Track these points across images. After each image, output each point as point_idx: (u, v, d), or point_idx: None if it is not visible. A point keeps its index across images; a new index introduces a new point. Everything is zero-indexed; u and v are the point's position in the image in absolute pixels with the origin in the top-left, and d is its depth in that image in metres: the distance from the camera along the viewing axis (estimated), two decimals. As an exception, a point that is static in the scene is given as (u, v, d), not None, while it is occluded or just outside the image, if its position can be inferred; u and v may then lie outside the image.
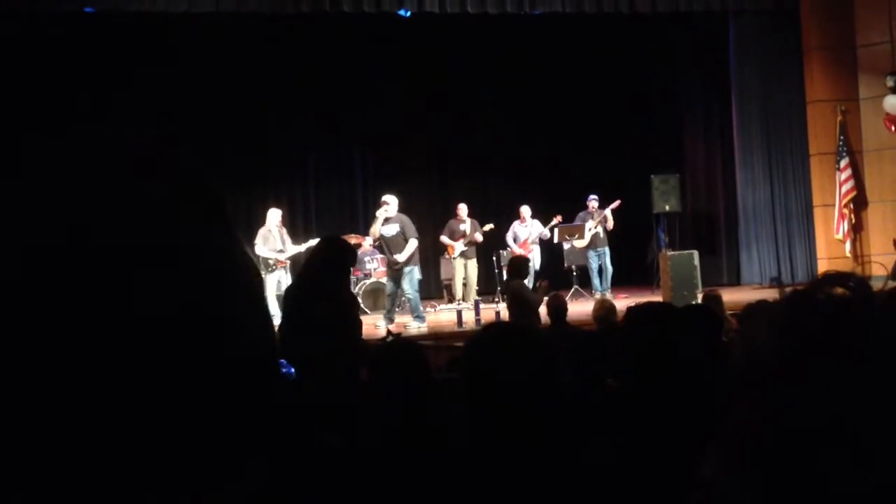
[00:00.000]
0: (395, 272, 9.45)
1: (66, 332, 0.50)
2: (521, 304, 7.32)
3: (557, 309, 6.38)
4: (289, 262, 10.21)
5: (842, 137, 11.59)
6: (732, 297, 8.54)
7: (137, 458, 0.51)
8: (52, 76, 10.77)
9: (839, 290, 0.76)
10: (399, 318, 9.83)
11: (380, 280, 11.47)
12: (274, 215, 10.25)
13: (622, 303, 9.97)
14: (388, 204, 9.60)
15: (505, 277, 9.27)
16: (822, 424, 0.71)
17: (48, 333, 0.50)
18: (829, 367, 0.73)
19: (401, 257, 9.36)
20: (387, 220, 9.46)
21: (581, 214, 11.87)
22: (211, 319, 0.53)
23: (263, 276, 9.49)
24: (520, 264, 7.93)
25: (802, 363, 0.73)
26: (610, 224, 11.62)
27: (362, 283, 11.29)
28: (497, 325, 2.04)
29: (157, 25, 10.72)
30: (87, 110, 10.12)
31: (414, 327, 9.44)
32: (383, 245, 9.61)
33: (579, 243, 11.75)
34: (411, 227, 9.50)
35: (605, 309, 6.05)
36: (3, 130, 9.95)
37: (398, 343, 4.36)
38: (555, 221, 11.73)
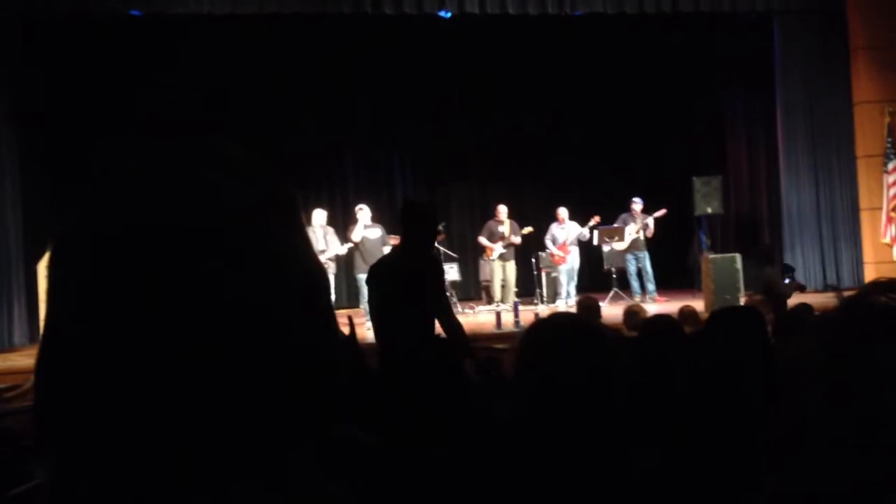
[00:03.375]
0: None
1: (137, 323, 0.51)
2: (771, 292, 7.50)
3: (589, 311, 6.25)
4: (332, 263, 10.28)
5: (889, 139, 11.37)
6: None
7: (193, 448, 0.52)
8: (97, 78, 10.98)
9: (891, 297, 0.75)
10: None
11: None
12: (319, 216, 10.40)
13: (662, 306, 9.90)
14: (363, 209, 10.32)
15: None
16: (874, 427, 0.69)
17: (123, 324, 0.51)
18: (884, 373, 0.72)
19: None
20: (365, 226, 10.15)
21: (623, 216, 11.78)
22: (273, 319, 0.54)
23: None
24: (771, 249, 8.18)
25: (857, 369, 0.72)
26: (651, 231, 11.54)
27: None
28: (555, 319, 2.00)
29: (202, 27, 10.86)
30: (142, 114, 10.29)
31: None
32: (360, 250, 10.06)
33: (619, 245, 11.67)
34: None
35: (631, 313, 6.00)
36: (66, 132, 10.22)
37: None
38: (593, 222, 11.66)
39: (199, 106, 11.31)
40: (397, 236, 11.66)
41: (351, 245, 10.26)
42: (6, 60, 9.61)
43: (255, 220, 0.56)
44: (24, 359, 8.44)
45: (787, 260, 11.98)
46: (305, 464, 0.57)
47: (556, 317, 1.98)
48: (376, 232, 10.23)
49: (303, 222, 0.61)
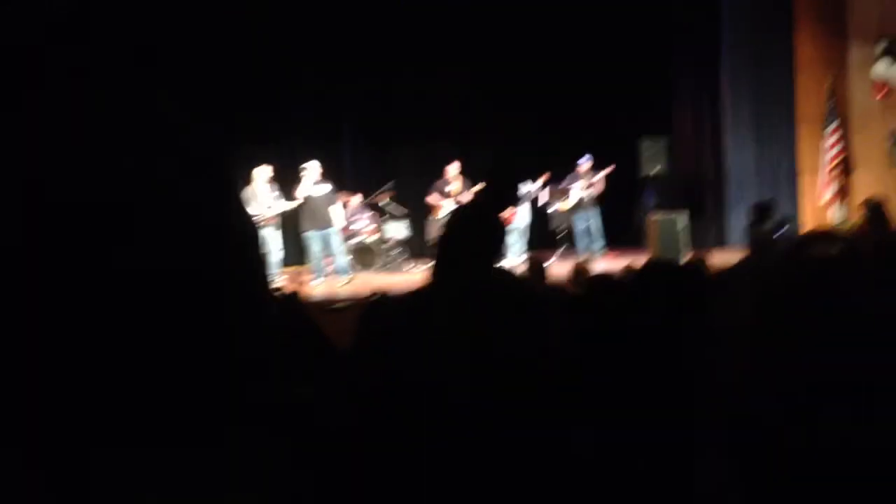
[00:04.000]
0: (325, 231, 9.85)
1: (51, 286, 0.49)
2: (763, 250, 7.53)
3: (536, 271, 6.25)
4: (278, 218, 10.19)
5: (830, 103, 11.60)
6: (721, 258, 8.59)
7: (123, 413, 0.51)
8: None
9: (825, 249, 0.78)
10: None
11: (369, 239, 11.51)
12: (262, 172, 10.19)
13: (611, 263, 10.03)
14: (310, 167, 10.23)
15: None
16: (819, 380, 0.72)
17: (33, 288, 0.49)
18: (819, 324, 0.75)
19: (335, 217, 9.95)
20: (315, 183, 10.08)
21: (570, 175, 11.86)
22: (197, 276, 0.53)
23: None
24: (766, 207, 7.99)
25: (792, 321, 0.74)
26: (598, 188, 11.63)
27: (350, 241, 11.29)
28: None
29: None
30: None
31: (345, 281, 9.95)
32: (305, 207, 10.00)
33: (564, 206, 11.76)
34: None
35: (577, 272, 6.04)
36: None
37: (384, 301, 4.37)
38: (543, 179, 11.71)
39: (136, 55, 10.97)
40: (347, 193, 11.65)
41: (299, 202, 10.15)
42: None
43: (163, 184, 0.53)
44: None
45: (729, 219, 12.23)
46: (234, 425, 0.55)
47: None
48: (324, 188, 10.09)
49: (227, 178, 0.58)
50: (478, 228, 4.25)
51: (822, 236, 0.84)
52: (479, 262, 2.70)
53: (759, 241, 7.92)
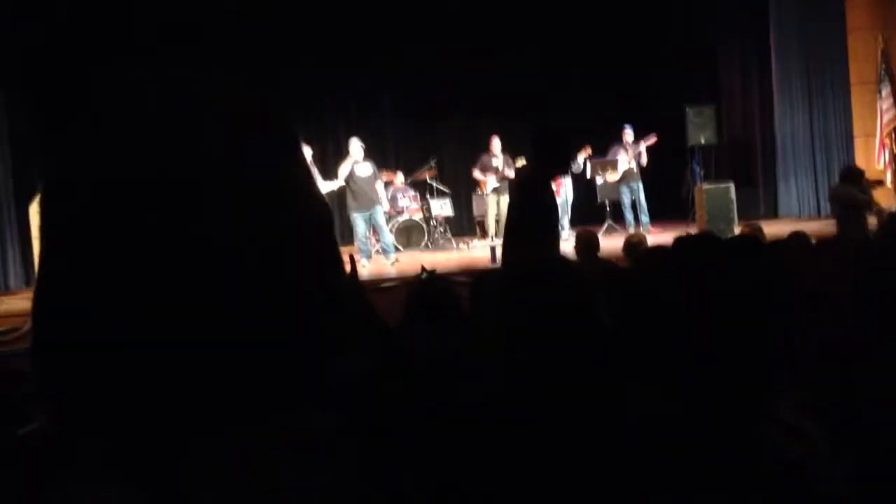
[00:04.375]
0: (371, 211, 9.78)
1: (138, 258, 0.51)
2: (851, 208, 7.53)
3: (588, 244, 6.19)
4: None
5: (883, 65, 11.28)
6: (772, 229, 8.44)
7: (189, 391, 0.52)
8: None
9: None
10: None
11: (413, 217, 11.51)
12: (304, 153, 10.19)
13: (657, 237, 9.92)
14: (354, 144, 9.96)
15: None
16: None
17: (123, 260, 0.50)
18: None
19: (379, 197, 9.86)
20: (356, 162, 9.85)
21: (614, 147, 11.71)
22: (275, 251, 0.54)
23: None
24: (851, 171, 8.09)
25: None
26: (644, 159, 11.47)
27: (394, 220, 11.31)
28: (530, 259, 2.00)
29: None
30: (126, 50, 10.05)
31: (392, 259, 9.94)
32: (350, 188, 9.84)
33: (612, 177, 11.63)
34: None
35: (632, 244, 5.97)
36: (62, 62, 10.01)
37: (434, 279, 4.36)
38: (584, 154, 11.60)
39: (181, 39, 11.08)
40: (390, 172, 11.65)
41: (339, 183, 10.15)
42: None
43: (253, 154, 0.55)
44: (21, 301, 8.45)
45: (780, 188, 12.00)
46: (301, 401, 0.56)
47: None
48: (367, 168, 9.95)
49: (303, 158, 0.60)
50: (537, 204, 4.21)
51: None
52: (543, 240, 2.71)
53: (844, 198, 7.78)
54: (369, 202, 9.86)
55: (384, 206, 10.30)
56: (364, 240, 9.92)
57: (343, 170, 9.86)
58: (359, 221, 9.85)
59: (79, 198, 0.52)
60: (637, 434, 1.64)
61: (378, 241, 10.30)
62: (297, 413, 0.56)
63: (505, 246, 4.59)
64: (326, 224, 0.59)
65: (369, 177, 9.95)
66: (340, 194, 10.38)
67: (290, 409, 0.55)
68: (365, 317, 2.96)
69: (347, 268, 3.37)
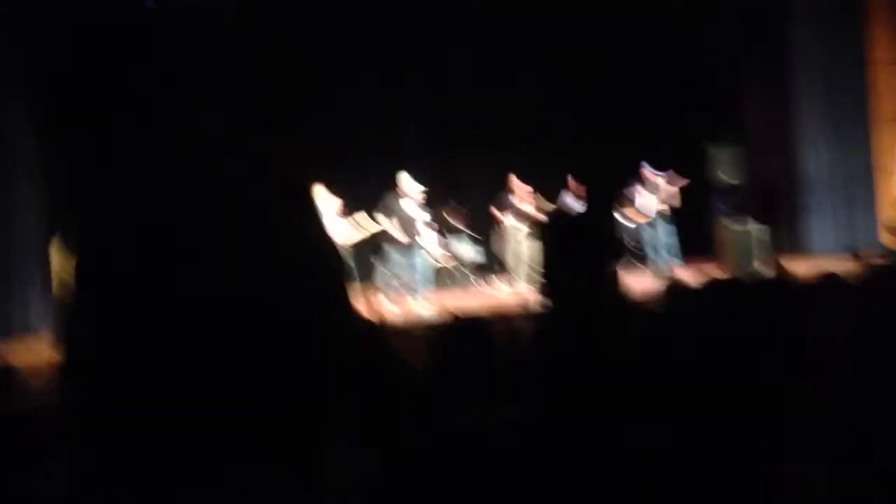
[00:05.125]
0: (413, 249, 9.61)
1: (149, 312, 0.54)
2: None
3: (613, 285, 6.10)
4: (352, 249, 9.98)
5: (907, 100, 11.22)
6: (798, 267, 8.32)
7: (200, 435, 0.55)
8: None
9: None
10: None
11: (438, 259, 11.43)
12: (332, 204, 9.63)
13: (683, 275, 9.82)
14: (404, 180, 9.77)
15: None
16: None
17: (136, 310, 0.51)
18: None
19: (425, 231, 9.74)
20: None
21: (638, 186, 11.61)
22: (289, 301, 0.55)
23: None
24: None
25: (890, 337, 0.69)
26: (675, 201, 11.33)
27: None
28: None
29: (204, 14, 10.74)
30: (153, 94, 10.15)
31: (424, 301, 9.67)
32: (402, 223, 9.64)
33: (637, 217, 11.55)
34: None
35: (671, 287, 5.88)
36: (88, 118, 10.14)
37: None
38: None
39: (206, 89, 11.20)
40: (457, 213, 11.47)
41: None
42: (22, 38, 9.54)
43: (269, 213, 0.58)
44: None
45: (806, 225, 11.89)
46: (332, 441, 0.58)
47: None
48: (413, 205, 9.76)
49: (314, 207, 0.62)
50: (587, 238, 4.19)
51: None
52: (596, 272, 2.70)
53: None
54: (410, 239, 9.71)
55: (427, 246, 10.16)
56: (405, 277, 9.71)
57: (405, 204, 9.68)
58: (401, 258, 9.71)
59: (102, 248, 0.55)
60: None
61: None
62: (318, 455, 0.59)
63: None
64: (336, 268, 0.62)
65: (416, 214, 9.82)
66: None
67: (311, 451, 0.59)
68: (388, 359, 2.93)
69: (369, 309, 3.35)
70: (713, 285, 2.76)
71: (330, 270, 0.62)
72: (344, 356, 0.60)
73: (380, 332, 2.97)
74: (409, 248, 9.65)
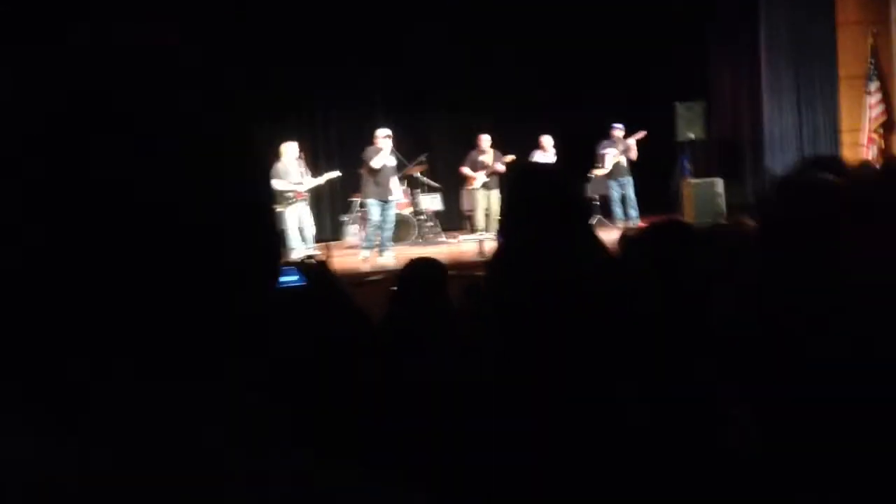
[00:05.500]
0: (387, 201, 9.77)
1: (65, 210, 0.50)
2: None
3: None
4: (308, 194, 10.19)
5: (872, 61, 11.30)
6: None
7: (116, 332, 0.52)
8: None
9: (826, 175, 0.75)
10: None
11: (403, 212, 11.49)
12: (291, 148, 10.07)
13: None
14: (390, 136, 9.89)
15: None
16: (806, 299, 0.69)
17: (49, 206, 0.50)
18: (812, 246, 0.72)
19: (397, 187, 9.81)
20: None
21: (604, 142, 11.74)
22: (213, 222, 0.54)
23: (281, 208, 9.53)
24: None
25: (787, 242, 0.72)
26: (633, 154, 11.50)
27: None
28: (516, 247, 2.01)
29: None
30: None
31: (392, 254, 9.75)
32: (374, 177, 9.74)
33: (600, 172, 11.65)
34: None
35: (627, 238, 5.98)
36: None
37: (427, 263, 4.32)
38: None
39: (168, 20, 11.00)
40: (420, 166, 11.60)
41: (332, 174, 10.07)
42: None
43: (203, 122, 0.55)
44: None
45: (766, 182, 12.01)
46: (240, 372, 0.57)
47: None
48: (393, 160, 10.01)
49: (250, 149, 0.60)
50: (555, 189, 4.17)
51: (821, 161, 0.81)
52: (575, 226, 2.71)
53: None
54: (388, 193, 9.80)
55: (397, 199, 10.29)
56: (374, 228, 9.83)
57: (378, 159, 9.74)
58: (374, 208, 9.80)
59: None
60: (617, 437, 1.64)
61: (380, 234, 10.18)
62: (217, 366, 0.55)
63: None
64: (264, 210, 0.59)
65: (393, 167, 9.98)
66: (358, 181, 10.31)
67: (210, 364, 0.55)
68: (338, 304, 2.96)
69: (325, 258, 3.37)
70: (659, 228, 2.79)
71: (263, 224, 0.61)
72: (256, 313, 0.60)
73: (329, 275, 3.01)
74: (386, 202, 9.77)
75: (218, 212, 0.54)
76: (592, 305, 1.86)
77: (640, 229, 2.50)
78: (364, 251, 9.92)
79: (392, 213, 10.00)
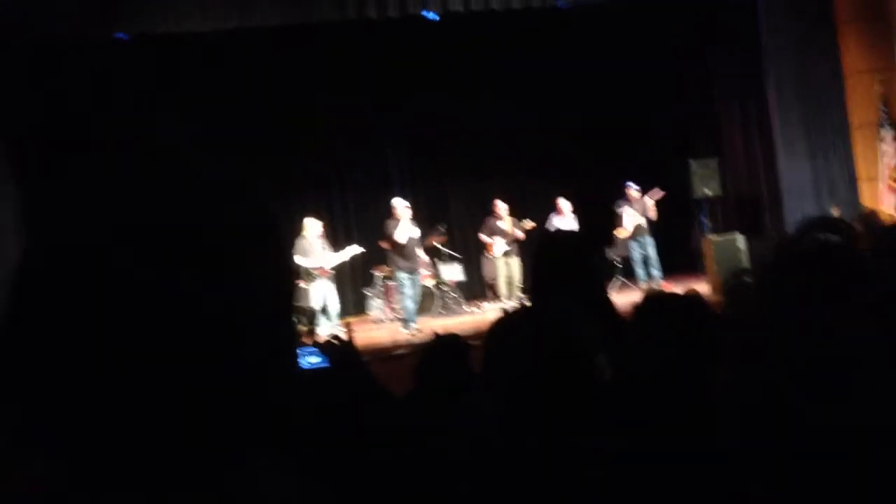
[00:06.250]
0: (416, 274, 9.74)
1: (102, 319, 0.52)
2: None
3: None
4: (333, 271, 10.20)
5: (883, 108, 11.34)
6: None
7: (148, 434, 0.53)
8: (86, 103, 10.98)
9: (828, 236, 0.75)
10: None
11: (424, 283, 11.51)
12: (313, 225, 10.14)
13: (669, 291, 9.87)
14: (409, 207, 9.89)
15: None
16: (805, 366, 0.68)
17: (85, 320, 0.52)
18: (813, 313, 0.71)
19: (423, 258, 9.80)
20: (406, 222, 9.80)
21: (620, 202, 11.75)
22: (237, 319, 0.55)
23: (306, 285, 9.56)
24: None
25: (787, 309, 0.71)
26: (652, 214, 11.49)
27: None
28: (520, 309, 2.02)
29: (185, 44, 10.86)
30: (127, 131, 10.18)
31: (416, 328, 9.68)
32: (407, 249, 9.70)
33: (622, 234, 11.64)
34: None
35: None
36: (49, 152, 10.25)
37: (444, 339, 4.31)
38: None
39: (187, 118, 11.28)
40: (439, 236, 11.61)
41: (351, 252, 10.09)
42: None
43: (225, 224, 0.56)
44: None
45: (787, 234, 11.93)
46: (266, 461, 0.57)
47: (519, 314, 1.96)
48: (416, 231, 9.93)
49: (276, 227, 0.61)
50: (577, 254, 4.14)
51: (822, 222, 0.80)
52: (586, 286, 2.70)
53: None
54: (416, 264, 9.78)
55: (424, 271, 10.26)
56: (409, 300, 9.74)
57: (401, 232, 9.69)
58: (406, 281, 9.73)
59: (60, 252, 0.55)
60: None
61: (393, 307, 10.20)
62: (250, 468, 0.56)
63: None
64: (283, 306, 0.60)
65: (417, 239, 9.95)
66: (385, 257, 10.32)
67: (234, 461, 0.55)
68: (361, 384, 2.95)
69: (346, 336, 3.37)
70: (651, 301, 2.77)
71: (279, 294, 0.63)
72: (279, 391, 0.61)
73: (353, 354, 3.00)
74: (414, 274, 9.74)
75: (247, 307, 0.56)
76: (590, 372, 1.85)
77: (650, 297, 2.48)
78: (411, 324, 9.74)
79: (419, 284, 10.00)
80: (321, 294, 9.82)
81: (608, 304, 4.04)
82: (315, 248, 10.00)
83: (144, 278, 0.53)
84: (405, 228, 9.71)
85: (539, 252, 4.33)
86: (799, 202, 11.83)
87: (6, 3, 9.29)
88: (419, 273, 9.89)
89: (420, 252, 10.09)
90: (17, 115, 9.94)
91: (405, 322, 9.80)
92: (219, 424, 0.54)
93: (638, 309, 2.54)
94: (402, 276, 9.69)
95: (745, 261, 9.96)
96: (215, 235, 0.56)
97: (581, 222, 11.24)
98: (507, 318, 1.90)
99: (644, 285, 10.88)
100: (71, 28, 9.80)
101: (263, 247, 0.59)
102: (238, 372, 0.55)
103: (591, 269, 4.39)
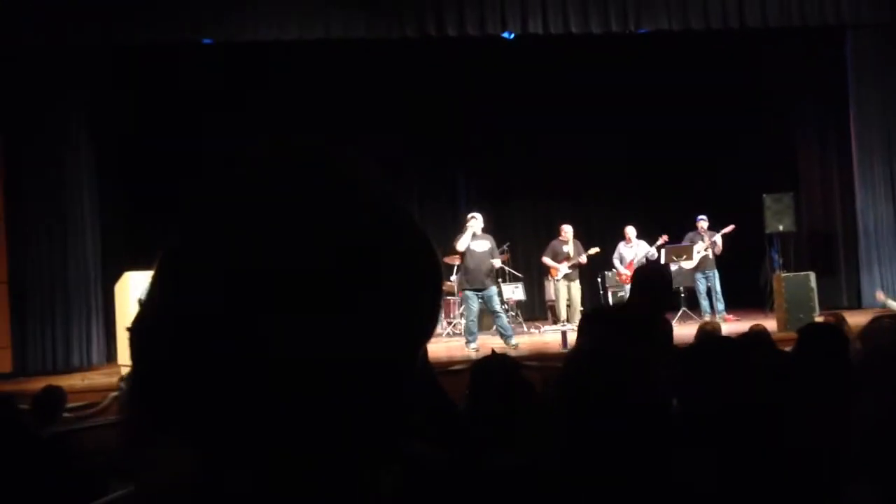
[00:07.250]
0: (484, 290, 9.32)
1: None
2: None
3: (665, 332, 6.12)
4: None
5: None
6: (856, 319, 8.14)
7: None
8: (176, 102, 11.33)
9: None
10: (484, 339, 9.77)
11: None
12: None
13: (733, 326, 9.68)
14: (476, 218, 9.54)
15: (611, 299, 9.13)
16: None
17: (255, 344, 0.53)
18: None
19: (493, 275, 9.50)
20: (474, 236, 9.43)
21: (690, 235, 11.61)
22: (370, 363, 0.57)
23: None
24: None
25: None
26: (719, 248, 11.34)
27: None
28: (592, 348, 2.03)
29: (272, 52, 11.11)
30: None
31: (515, 343, 9.39)
32: (465, 263, 9.43)
33: (687, 264, 11.47)
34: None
35: (705, 332, 5.86)
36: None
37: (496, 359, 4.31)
38: (661, 241, 11.51)
39: (265, 124, 11.50)
40: (506, 252, 11.42)
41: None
42: (87, 83, 9.98)
43: (373, 267, 0.56)
44: (103, 377, 8.67)
45: (863, 278, 11.61)
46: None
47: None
48: (485, 244, 9.44)
49: (424, 237, 0.61)
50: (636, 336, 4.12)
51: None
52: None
53: None
54: (479, 281, 9.30)
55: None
56: (474, 320, 9.42)
57: (461, 242, 9.36)
58: (470, 301, 9.36)
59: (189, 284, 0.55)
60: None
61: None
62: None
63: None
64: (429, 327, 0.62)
65: (485, 252, 9.40)
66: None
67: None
68: (437, 399, 2.97)
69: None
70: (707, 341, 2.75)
71: (421, 326, 0.61)
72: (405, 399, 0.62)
73: (430, 370, 3.04)
74: (481, 291, 9.35)
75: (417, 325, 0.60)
76: (644, 409, 1.84)
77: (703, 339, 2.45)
78: (472, 344, 9.50)
79: (496, 300, 9.46)
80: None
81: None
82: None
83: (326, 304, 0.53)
84: (466, 238, 9.36)
85: (595, 323, 4.24)
86: (876, 243, 11.50)
87: (102, 9, 9.62)
88: (491, 287, 9.48)
89: (488, 268, 9.47)
90: (106, 119, 10.28)
91: (467, 339, 9.61)
92: (357, 435, 0.57)
93: (690, 350, 2.53)
94: (467, 294, 9.46)
95: (815, 299, 9.71)
96: (396, 258, 0.57)
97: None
98: (580, 359, 1.90)
99: (707, 317, 10.69)
100: (161, 33, 10.13)
101: (432, 275, 0.60)
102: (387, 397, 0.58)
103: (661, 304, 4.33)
